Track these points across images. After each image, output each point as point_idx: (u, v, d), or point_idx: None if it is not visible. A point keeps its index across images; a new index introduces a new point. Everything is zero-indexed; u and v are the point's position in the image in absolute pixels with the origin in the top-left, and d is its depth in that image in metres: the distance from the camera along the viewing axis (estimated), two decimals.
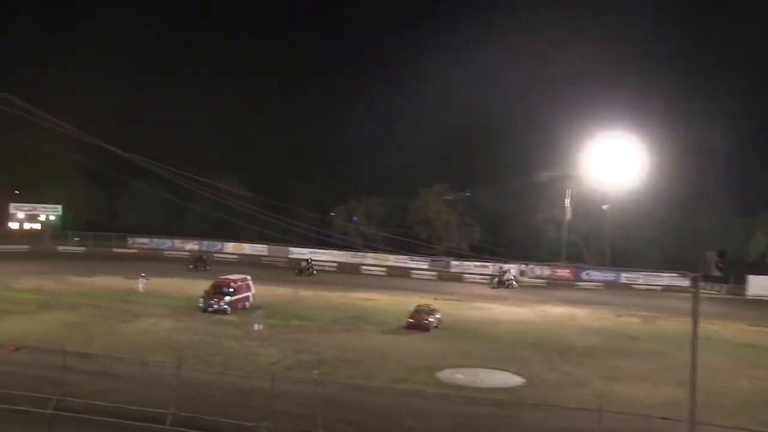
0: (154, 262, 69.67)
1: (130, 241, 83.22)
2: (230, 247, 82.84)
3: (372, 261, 78.38)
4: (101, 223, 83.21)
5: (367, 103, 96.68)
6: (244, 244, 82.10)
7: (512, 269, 73.12)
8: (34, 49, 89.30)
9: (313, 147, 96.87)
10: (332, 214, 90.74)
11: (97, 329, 37.11)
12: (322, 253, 79.20)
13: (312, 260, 74.05)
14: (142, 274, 52.94)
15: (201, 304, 45.03)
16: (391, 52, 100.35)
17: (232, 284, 47.27)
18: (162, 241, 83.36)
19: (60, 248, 77.59)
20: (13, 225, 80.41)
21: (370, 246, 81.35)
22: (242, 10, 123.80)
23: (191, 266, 68.61)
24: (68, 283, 55.12)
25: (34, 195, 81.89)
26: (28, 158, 79.17)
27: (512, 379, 30.55)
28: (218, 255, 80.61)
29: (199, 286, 48.25)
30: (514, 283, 70.54)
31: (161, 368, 25.59)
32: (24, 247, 75.53)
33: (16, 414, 20.41)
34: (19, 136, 72.34)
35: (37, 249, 75.23)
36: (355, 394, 25.29)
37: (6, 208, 79.89)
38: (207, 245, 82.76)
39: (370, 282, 67.82)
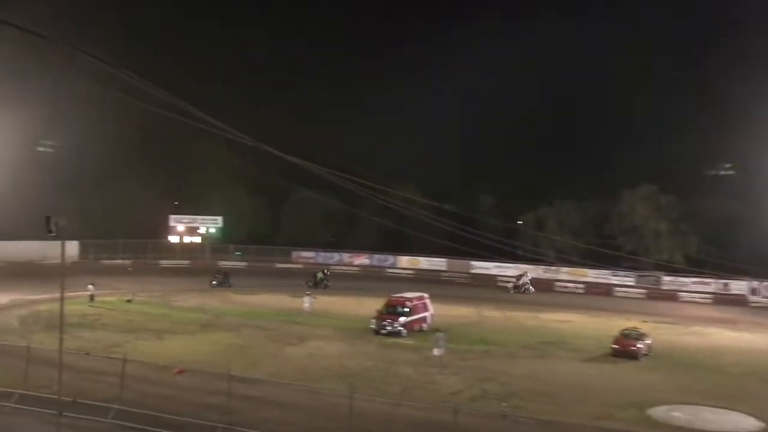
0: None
1: (294, 255, 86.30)
2: (404, 261, 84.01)
3: (567, 276, 77.07)
4: (263, 235, 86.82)
5: (556, 99, 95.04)
6: (420, 258, 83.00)
7: (528, 273, 73.77)
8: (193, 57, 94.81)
9: (496, 146, 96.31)
10: (519, 222, 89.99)
11: (262, 352, 38.93)
12: (509, 268, 78.71)
13: (329, 271, 73.20)
14: (308, 292, 54.91)
15: (373, 326, 46.04)
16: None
17: (408, 303, 47.88)
18: (329, 254, 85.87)
19: (221, 263, 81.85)
20: (173, 238, 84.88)
21: (563, 259, 79.83)
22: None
23: (214, 282, 67.27)
24: (230, 301, 58.21)
25: (193, 206, 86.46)
26: (188, 168, 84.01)
27: (746, 422, 28.98)
28: (390, 270, 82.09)
29: (370, 305, 49.44)
30: (531, 288, 72.09)
31: (331, 396, 26.41)
32: (184, 262, 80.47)
33: None
34: (179, 146, 77.31)
35: (197, 264, 79.85)
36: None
37: (166, 221, 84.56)
38: (378, 259, 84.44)
39: (565, 300, 66.81)
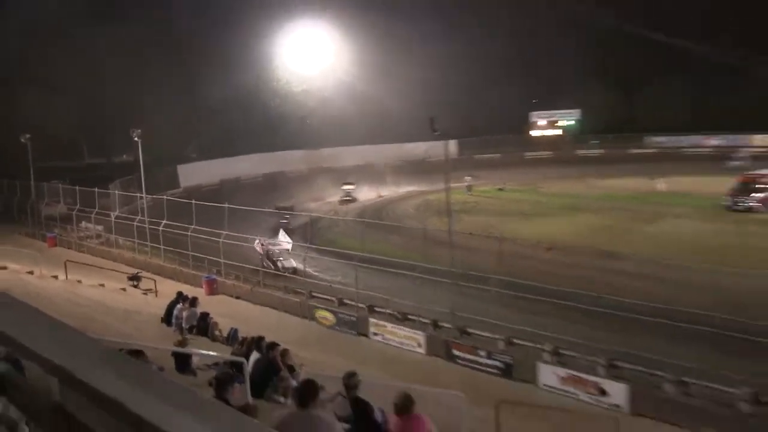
0: (674, 161, 68.04)
1: (645, 140, 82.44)
2: (758, 139, 76.59)
3: None
4: (618, 124, 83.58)
5: None
6: None
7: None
8: None
9: None
10: None
11: (624, 230, 38.51)
12: None
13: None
14: (658, 176, 52.93)
15: (726, 203, 43.52)
16: None
17: (762, 180, 44.51)
18: (680, 138, 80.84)
19: (579, 152, 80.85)
20: (535, 133, 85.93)
21: None
22: None
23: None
24: (589, 185, 57.66)
25: (551, 102, 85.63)
26: (545, 64, 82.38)
27: None
28: (743, 149, 75.24)
29: (724, 184, 46.37)
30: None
31: (692, 272, 25.50)
32: (546, 153, 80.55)
33: (555, 307, 22.51)
34: (540, 48, 76.49)
35: (557, 154, 79.56)
36: None
37: (526, 117, 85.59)
38: (730, 139, 77.72)
39: None
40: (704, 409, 17.38)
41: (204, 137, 70.54)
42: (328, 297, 28.25)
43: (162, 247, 35.33)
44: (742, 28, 61.45)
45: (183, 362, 14.37)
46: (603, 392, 19.07)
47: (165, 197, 40.24)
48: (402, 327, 24.62)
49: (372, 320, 25.45)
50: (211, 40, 66.70)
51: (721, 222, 39.93)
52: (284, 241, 35.98)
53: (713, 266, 22.22)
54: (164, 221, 35.73)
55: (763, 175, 45.17)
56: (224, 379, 9.06)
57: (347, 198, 55.97)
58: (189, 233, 33.63)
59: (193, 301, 22.17)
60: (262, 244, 34.41)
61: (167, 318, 21.94)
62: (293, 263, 33.28)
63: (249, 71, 71.50)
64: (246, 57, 70.49)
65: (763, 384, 17.27)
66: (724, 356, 18.35)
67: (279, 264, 33.28)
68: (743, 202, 43.10)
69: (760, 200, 43.02)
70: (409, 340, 24.01)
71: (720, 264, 25.74)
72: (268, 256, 33.73)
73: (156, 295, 28.37)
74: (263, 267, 32.66)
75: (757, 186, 44.06)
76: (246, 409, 8.17)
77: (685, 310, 20.07)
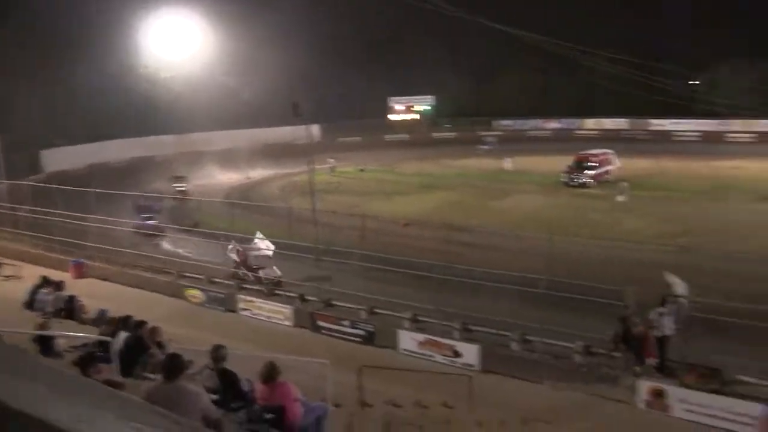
0: (518, 143, 70.67)
1: (494, 123, 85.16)
2: (590, 123, 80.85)
3: (740, 128, 71.05)
4: (470, 109, 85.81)
5: None
6: (604, 120, 79.54)
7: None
8: None
9: None
10: (695, 82, 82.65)
11: (474, 206, 39.63)
12: (684, 123, 73.95)
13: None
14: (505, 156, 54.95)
15: (564, 179, 45.61)
16: None
17: (593, 158, 47.01)
18: (524, 121, 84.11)
19: (434, 135, 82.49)
20: (393, 117, 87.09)
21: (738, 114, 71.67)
22: None
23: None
24: (444, 165, 58.95)
25: (409, 89, 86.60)
26: (402, 53, 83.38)
27: None
28: (578, 132, 79.32)
29: (562, 162, 48.54)
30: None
31: (533, 241, 26.55)
32: (404, 136, 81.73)
33: (413, 278, 23.02)
34: (398, 37, 77.32)
35: (414, 137, 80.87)
36: (721, 263, 23.84)
37: (385, 102, 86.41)
38: (567, 122, 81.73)
39: (737, 149, 61.97)
40: (545, 363, 18.29)
41: (71, 122, 66.91)
42: (197, 276, 27.61)
43: (26, 233, 33.27)
44: (579, 22, 64.30)
45: (46, 345, 13.68)
46: (457, 354, 19.63)
47: (26, 182, 37.97)
48: (269, 302, 24.43)
49: (240, 296, 25.10)
50: (77, 24, 63.28)
51: (559, 197, 41.90)
52: (264, 246, 27.36)
53: (549, 236, 23.13)
54: (26, 207, 33.70)
55: (595, 155, 47.67)
56: (88, 358, 8.71)
57: (181, 189, 52.07)
58: (53, 218, 31.90)
59: (59, 285, 21.17)
60: (239, 250, 27.41)
61: (30, 303, 20.82)
62: (277, 272, 26.53)
63: (116, 57, 68.35)
64: (113, 43, 67.34)
65: (592, 337, 18.34)
66: (561, 314, 19.31)
67: (260, 273, 26.69)
68: (578, 179, 45.28)
69: (592, 176, 45.36)
70: (277, 313, 23.83)
71: (556, 233, 26.87)
72: (246, 264, 27.42)
73: (20, 281, 26.78)
74: (237, 274, 27.18)
75: (589, 164, 46.43)
76: (110, 385, 7.86)
77: (527, 275, 20.98)
